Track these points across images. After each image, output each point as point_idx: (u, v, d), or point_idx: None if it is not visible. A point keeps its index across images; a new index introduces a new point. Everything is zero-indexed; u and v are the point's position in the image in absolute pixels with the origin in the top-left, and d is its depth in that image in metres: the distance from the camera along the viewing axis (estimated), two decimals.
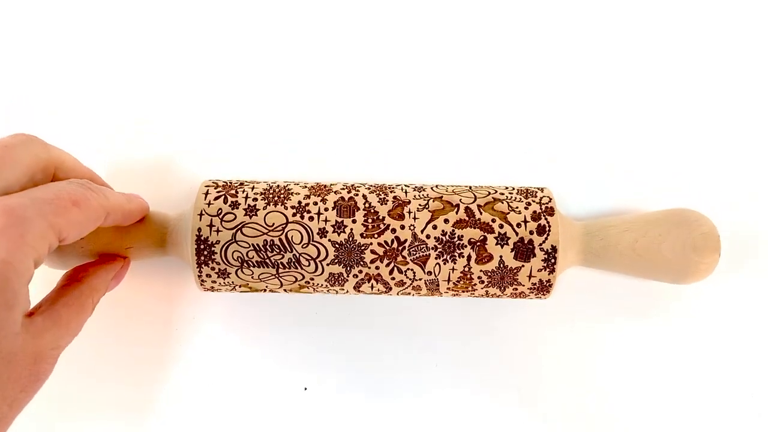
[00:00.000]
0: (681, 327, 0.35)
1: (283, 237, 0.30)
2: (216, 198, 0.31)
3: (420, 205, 0.31)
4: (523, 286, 0.31)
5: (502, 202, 0.31)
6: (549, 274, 0.30)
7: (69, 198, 0.24)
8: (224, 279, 0.31)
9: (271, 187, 0.31)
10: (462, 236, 0.30)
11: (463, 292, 0.31)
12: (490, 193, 0.31)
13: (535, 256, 0.30)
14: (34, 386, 0.24)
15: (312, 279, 0.30)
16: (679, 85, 0.36)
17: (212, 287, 0.32)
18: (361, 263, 0.30)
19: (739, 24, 0.37)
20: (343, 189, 0.31)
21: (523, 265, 0.30)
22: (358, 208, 0.30)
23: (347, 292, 0.32)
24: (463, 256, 0.30)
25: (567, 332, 0.35)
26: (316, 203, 0.30)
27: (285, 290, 0.32)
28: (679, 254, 0.30)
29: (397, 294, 0.32)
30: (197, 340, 0.35)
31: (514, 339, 0.35)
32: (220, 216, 0.30)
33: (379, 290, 0.31)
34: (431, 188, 0.32)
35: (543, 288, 0.31)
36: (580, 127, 0.36)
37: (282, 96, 0.37)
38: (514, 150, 0.36)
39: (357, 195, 0.31)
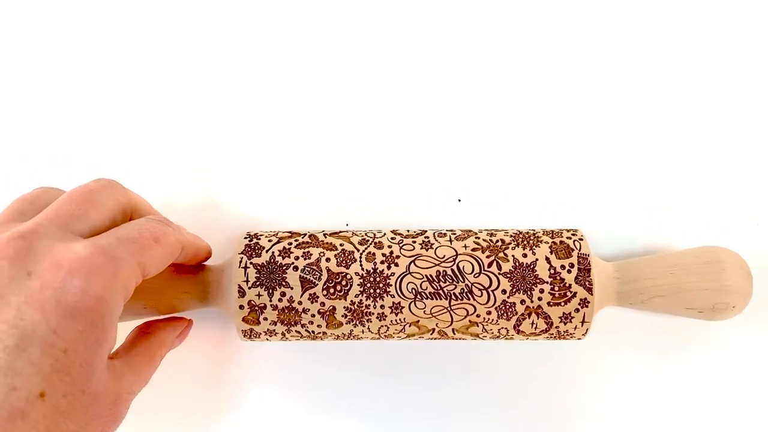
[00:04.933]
0: (714, 365, 0.36)
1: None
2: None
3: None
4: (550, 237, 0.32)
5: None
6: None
7: (151, 236, 0.26)
8: (272, 233, 0.33)
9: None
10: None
11: (496, 233, 0.33)
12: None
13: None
14: (113, 426, 0.25)
15: (355, 232, 0.33)
16: (706, 123, 0.37)
17: (255, 234, 0.33)
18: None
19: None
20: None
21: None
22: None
23: (385, 234, 0.33)
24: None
25: (602, 372, 0.36)
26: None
27: (325, 234, 0.33)
28: (711, 294, 0.30)
29: (435, 233, 0.32)
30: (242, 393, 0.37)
31: (551, 381, 0.36)
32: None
33: (415, 231, 0.33)
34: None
35: (574, 232, 0.32)
36: (606, 167, 0.37)
37: (313, 138, 0.39)
38: (543, 192, 0.37)
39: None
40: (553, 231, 0.33)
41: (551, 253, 0.31)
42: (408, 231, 0.33)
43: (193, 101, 0.39)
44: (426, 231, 0.33)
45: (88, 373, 0.22)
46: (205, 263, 0.33)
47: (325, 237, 0.32)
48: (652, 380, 0.36)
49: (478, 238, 0.32)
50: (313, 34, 0.39)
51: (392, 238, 0.32)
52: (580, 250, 0.31)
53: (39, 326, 0.21)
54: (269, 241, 0.32)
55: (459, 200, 0.37)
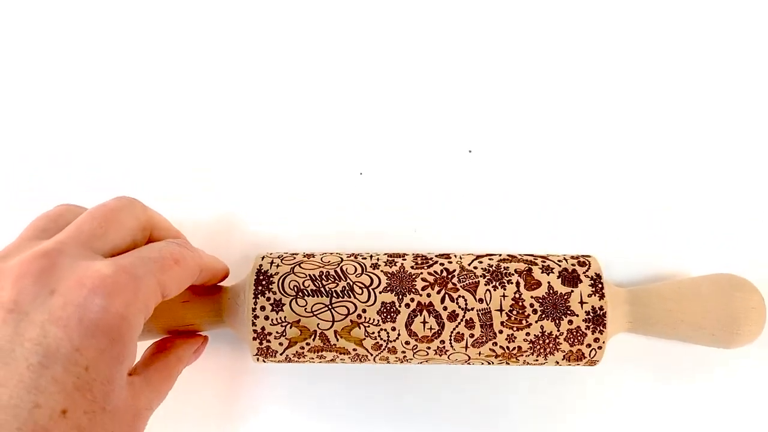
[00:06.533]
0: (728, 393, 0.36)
1: (338, 269, 0.32)
2: (275, 253, 0.34)
3: (463, 254, 0.34)
4: (578, 317, 0.31)
5: (540, 255, 0.34)
6: (600, 300, 0.31)
7: (171, 257, 0.26)
8: (277, 313, 0.31)
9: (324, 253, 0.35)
10: (507, 267, 0.33)
11: (518, 329, 0.31)
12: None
13: (581, 282, 0.32)
14: None
15: (364, 311, 0.31)
16: (722, 150, 0.38)
17: (263, 330, 0.31)
18: (413, 291, 0.31)
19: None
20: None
21: (572, 291, 0.32)
22: (407, 255, 0.34)
23: (399, 336, 0.31)
24: (511, 283, 0.32)
25: (614, 402, 0.36)
26: (368, 252, 0.34)
27: (336, 334, 0.31)
28: (720, 290, 0.31)
29: (451, 339, 0.32)
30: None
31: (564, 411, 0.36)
32: (281, 258, 0.33)
33: (431, 329, 0.31)
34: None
35: (598, 320, 0.31)
36: (620, 196, 0.38)
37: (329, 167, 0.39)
38: (554, 220, 0.38)
39: (405, 253, 0.34)
40: (577, 330, 0.31)
41: (564, 359, 0.32)
42: (425, 325, 0.31)
43: (195, 106, 0.39)
44: (443, 330, 0.31)
45: (109, 390, 0.22)
46: (219, 284, 0.33)
47: (338, 339, 0.31)
48: (663, 403, 0.36)
49: (495, 344, 0.31)
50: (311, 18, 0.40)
51: (406, 343, 0.32)
52: (592, 357, 0.32)
53: (62, 344, 0.21)
54: (280, 344, 0.32)
55: (470, 151, 0.37)
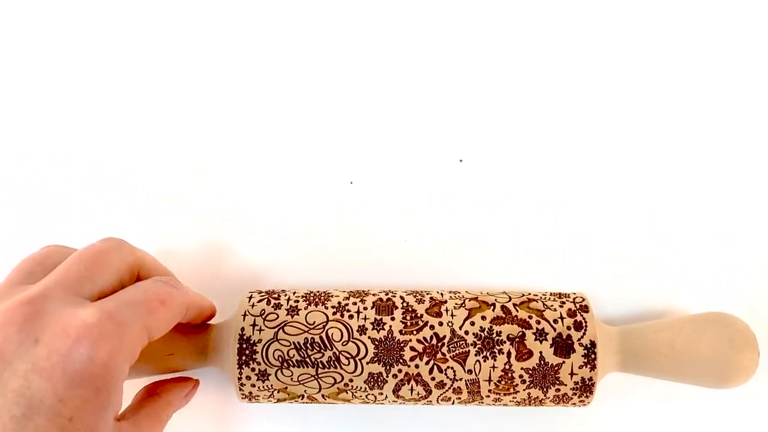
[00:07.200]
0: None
1: (323, 334, 0.31)
2: (259, 301, 0.32)
3: (456, 304, 0.32)
4: (566, 386, 0.31)
5: (537, 301, 0.32)
6: (590, 371, 0.31)
7: (157, 298, 0.26)
8: (263, 382, 0.31)
9: (311, 292, 0.33)
10: (500, 332, 0.31)
11: (505, 395, 0.31)
12: (524, 294, 0.33)
13: (574, 351, 0.31)
14: None
15: (351, 381, 0.31)
16: (720, 163, 0.37)
17: (251, 393, 0.32)
18: (401, 361, 0.30)
19: None
20: (380, 292, 0.33)
21: (563, 362, 0.31)
22: (396, 307, 0.32)
23: (386, 398, 0.31)
24: (503, 353, 0.30)
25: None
26: (355, 303, 0.32)
27: (324, 396, 0.32)
28: (717, 350, 0.30)
29: (438, 400, 0.32)
30: None
31: None
32: (263, 316, 0.31)
33: (419, 394, 0.31)
34: (465, 291, 0.34)
35: (585, 388, 0.31)
36: (611, 230, 0.37)
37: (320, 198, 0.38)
38: (546, 255, 0.37)
39: (394, 296, 0.33)
40: (564, 395, 0.31)
41: (548, 407, 0.33)
42: (412, 391, 0.31)
43: (195, 108, 0.39)
44: (430, 395, 0.31)
45: None
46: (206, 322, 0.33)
47: (325, 399, 0.32)
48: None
49: (482, 402, 0.32)
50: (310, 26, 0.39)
51: (393, 401, 0.32)
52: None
53: (46, 395, 0.22)
54: (269, 401, 0.32)
55: (461, 161, 0.37)
